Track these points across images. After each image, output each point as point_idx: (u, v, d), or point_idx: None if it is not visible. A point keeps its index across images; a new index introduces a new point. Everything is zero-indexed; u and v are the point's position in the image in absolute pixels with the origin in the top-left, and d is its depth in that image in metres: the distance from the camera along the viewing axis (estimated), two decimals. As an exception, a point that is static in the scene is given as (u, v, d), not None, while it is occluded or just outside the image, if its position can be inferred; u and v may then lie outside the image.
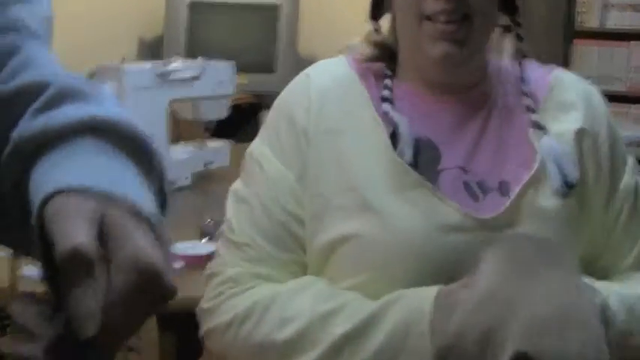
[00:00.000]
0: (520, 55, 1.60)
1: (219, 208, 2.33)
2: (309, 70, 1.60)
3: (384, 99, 1.51)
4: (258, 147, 1.55)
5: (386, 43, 1.59)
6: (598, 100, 1.59)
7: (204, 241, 2.41)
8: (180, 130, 4.83)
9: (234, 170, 3.37)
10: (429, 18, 1.44)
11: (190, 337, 1.57)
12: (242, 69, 4.95)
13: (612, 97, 5.67)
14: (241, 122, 5.68)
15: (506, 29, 1.59)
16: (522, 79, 1.57)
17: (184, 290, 2.06)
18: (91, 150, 0.80)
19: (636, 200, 1.55)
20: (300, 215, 1.48)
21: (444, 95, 1.54)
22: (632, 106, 5.38)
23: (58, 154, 0.80)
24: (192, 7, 5.84)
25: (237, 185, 1.57)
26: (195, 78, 3.22)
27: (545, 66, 1.62)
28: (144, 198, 0.79)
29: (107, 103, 0.88)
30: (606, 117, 1.58)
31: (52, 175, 0.77)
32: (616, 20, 5.43)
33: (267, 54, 5.88)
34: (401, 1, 1.50)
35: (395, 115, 1.48)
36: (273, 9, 5.91)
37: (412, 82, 1.55)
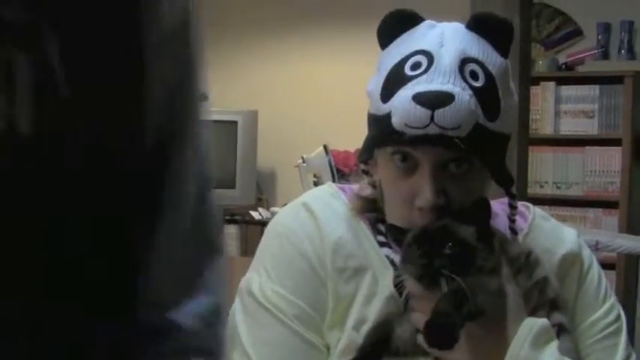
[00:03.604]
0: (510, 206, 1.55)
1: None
2: (306, 201, 1.53)
3: (382, 243, 1.48)
4: (266, 285, 1.48)
5: (373, 198, 1.53)
6: (574, 242, 1.56)
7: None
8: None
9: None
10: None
11: None
12: (202, 185, 4.96)
13: (570, 202, 5.75)
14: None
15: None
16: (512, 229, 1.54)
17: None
18: None
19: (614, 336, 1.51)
20: (321, 346, 1.46)
21: None
22: (590, 209, 5.44)
23: None
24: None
25: (247, 330, 1.48)
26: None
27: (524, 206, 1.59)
28: None
29: None
30: (582, 255, 1.55)
31: None
32: (570, 126, 5.52)
33: (227, 169, 5.90)
34: (387, 193, 1.46)
35: (396, 259, 1.45)
36: (232, 125, 5.96)
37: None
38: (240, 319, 1.48)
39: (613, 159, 5.39)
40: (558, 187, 5.52)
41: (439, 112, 1.33)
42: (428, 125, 1.33)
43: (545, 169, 5.54)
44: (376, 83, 1.44)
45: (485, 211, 1.39)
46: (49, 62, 0.83)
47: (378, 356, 1.40)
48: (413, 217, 1.40)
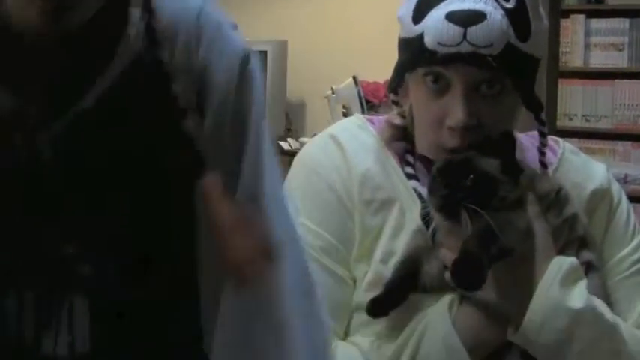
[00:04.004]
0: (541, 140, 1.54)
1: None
2: (334, 133, 1.53)
3: (410, 175, 1.49)
4: None
5: (404, 126, 1.54)
6: (603, 177, 1.55)
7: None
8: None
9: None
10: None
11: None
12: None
13: (599, 135, 5.73)
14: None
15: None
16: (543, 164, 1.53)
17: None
18: None
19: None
20: (348, 278, 1.47)
21: None
22: (619, 143, 5.41)
23: None
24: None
25: None
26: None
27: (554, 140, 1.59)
28: None
29: None
30: (611, 190, 1.54)
31: None
32: (599, 59, 5.48)
33: (256, 99, 5.91)
34: (418, 116, 1.47)
35: (423, 192, 1.44)
36: (261, 55, 5.96)
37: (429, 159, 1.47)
38: None
39: (642, 92, 5.37)
40: (587, 120, 5.50)
41: (472, 30, 1.35)
42: (460, 43, 1.35)
43: (575, 101, 5.52)
44: (407, 7, 1.45)
45: (511, 144, 1.39)
46: (105, 290, 1.10)
47: (405, 291, 1.41)
48: (443, 138, 1.41)
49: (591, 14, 5.48)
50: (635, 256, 1.51)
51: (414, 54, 1.42)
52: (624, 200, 1.56)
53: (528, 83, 1.44)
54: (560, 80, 5.56)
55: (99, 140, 1.05)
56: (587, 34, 5.47)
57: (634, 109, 5.40)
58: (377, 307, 1.41)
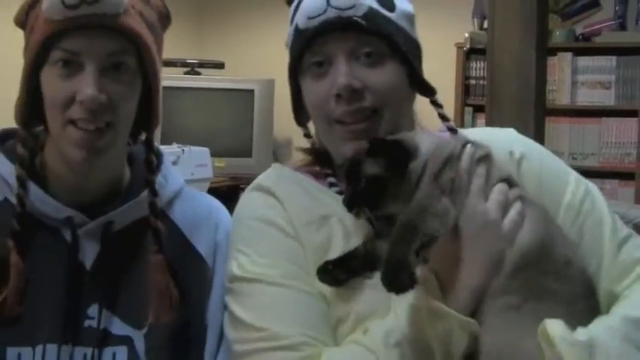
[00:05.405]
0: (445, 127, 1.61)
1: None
2: (256, 183, 1.59)
3: (339, 193, 1.53)
4: (245, 263, 1.50)
5: (316, 147, 1.61)
6: (513, 141, 1.60)
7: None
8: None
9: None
10: (338, 121, 1.47)
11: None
12: (219, 153, 4.97)
13: (586, 173, 5.72)
14: (219, 206, 5.69)
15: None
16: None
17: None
18: None
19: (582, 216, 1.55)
20: (319, 294, 1.47)
21: None
22: (606, 180, 5.43)
23: None
24: (167, 93, 5.88)
25: (243, 306, 1.48)
26: (173, 163, 3.24)
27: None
28: None
29: None
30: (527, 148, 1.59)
31: None
32: (586, 97, 5.51)
33: (243, 138, 5.91)
34: (310, 107, 1.54)
35: None
36: (249, 94, 5.96)
37: None
38: (231, 303, 1.50)
39: (629, 130, 5.38)
40: (574, 158, 5.51)
41: None
42: (325, 11, 1.45)
43: (562, 139, 5.54)
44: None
45: (393, 142, 1.40)
46: None
47: (359, 262, 1.44)
48: (331, 108, 1.47)
49: (578, 52, 5.53)
50: (577, 200, 1.55)
51: (293, 46, 1.52)
52: (546, 154, 1.61)
53: (409, 59, 1.50)
54: (547, 118, 5.56)
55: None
56: (575, 72, 5.50)
57: (621, 147, 5.42)
58: (329, 268, 1.44)
